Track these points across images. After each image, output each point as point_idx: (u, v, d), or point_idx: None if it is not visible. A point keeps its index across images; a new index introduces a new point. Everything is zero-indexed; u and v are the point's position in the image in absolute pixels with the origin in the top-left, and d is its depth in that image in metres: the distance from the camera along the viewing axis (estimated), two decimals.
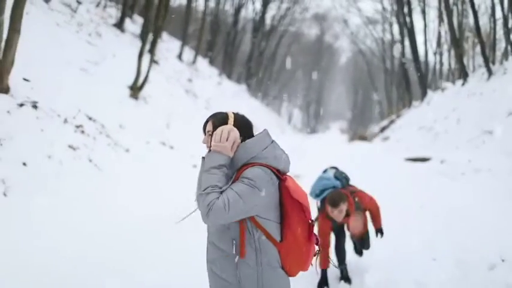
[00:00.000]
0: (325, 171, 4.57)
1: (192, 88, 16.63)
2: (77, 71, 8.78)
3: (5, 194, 4.55)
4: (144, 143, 8.67)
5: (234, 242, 2.02)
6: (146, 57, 10.90)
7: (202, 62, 23.36)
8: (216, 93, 19.69)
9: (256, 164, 2.05)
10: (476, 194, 6.84)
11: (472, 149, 9.67)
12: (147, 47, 11.35)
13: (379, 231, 4.49)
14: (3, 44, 5.82)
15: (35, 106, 6.21)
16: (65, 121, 6.67)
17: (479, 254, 4.45)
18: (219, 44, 28.79)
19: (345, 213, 4.05)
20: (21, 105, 5.99)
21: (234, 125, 2.13)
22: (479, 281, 3.92)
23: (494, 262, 4.19)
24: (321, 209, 4.24)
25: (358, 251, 4.76)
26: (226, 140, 2.06)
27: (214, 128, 2.16)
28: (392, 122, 25.30)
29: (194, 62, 20.75)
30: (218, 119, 2.17)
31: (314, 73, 45.09)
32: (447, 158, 10.06)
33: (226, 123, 2.14)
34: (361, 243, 4.64)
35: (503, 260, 4.19)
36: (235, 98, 22.52)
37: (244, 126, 2.17)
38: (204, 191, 1.98)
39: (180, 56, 19.38)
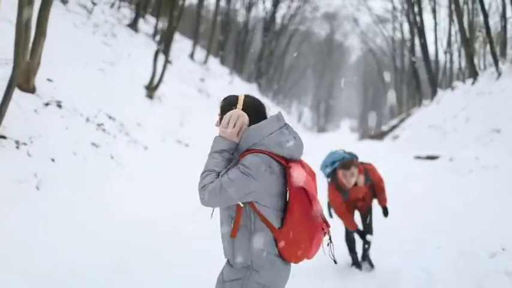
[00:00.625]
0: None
1: (205, 87, 16.92)
2: (95, 71, 9.07)
3: (37, 188, 4.86)
4: (161, 141, 8.96)
5: (232, 221, 2.01)
6: (161, 58, 11.20)
7: (214, 62, 23.64)
8: (227, 92, 19.72)
9: (256, 150, 1.98)
10: (480, 190, 7.06)
11: (480, 147, 9.81)
12: (161, 47, 11.64)
13: (384, 210, 4.60)
14: (30, 46, 6.12)
15: (59, 105, 6.53)
16: (87, 120, 6.99)
17: (481, 243, 4.71)
18: (229, 43, 29.04)
19: (355, 183, 4.27)
20: (47, 104, 6.31)
21: (243, 109, 2.07)
22: (481, 268, 4.16)
23: (495, 251, 4.42)
24: (331, 181, 4.42)
25: (367, 259, 4.75)
26: (234, 125, 2.02)
27: (223, 111, 2.12)
28: (402, 120, 25.39)
29: (206, 61, 21.00)
30: (227, 103, 2.13)
31: (326, 74, 45.24)
32: (456, 156, 10.23)
33: (235, 107, 2.10)
34: (366, 226, 4.69)
35: (503, 249, 4.42)
36: None
37: (254, 110, 2.09)
38: (201, 174, 1.99)
39: (192, 56, 19.67)
